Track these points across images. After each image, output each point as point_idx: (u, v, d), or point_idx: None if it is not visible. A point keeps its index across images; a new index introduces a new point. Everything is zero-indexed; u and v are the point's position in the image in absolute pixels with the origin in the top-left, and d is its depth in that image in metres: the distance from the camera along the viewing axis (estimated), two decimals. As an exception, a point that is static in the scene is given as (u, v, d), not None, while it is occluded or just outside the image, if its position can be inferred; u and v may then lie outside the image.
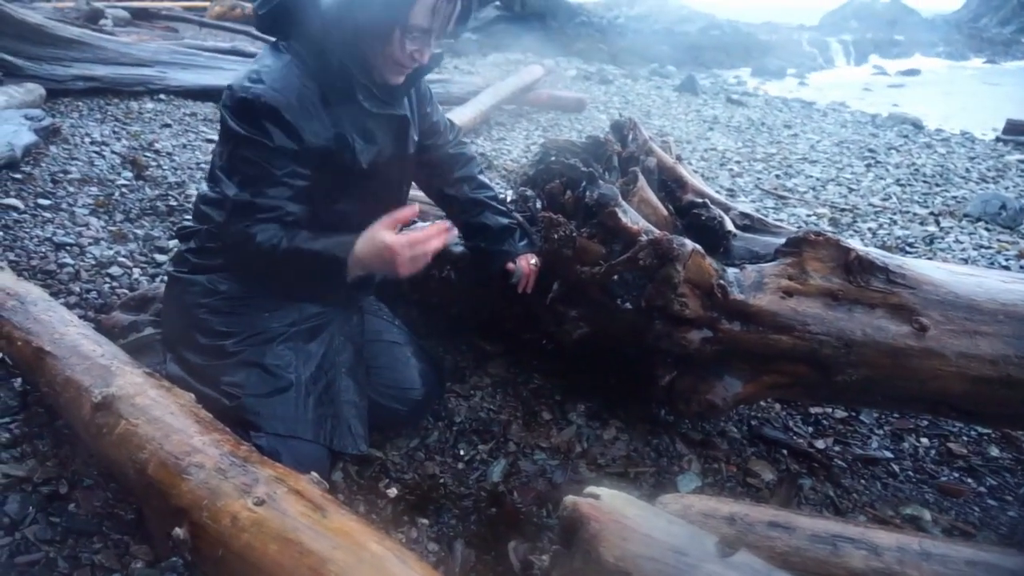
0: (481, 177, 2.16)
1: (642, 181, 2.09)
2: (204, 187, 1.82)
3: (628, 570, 1.16)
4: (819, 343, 1.90)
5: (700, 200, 2.19)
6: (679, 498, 1.60)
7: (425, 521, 1.74)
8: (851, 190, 5.26)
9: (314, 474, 1.22)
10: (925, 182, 5.59)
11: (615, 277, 1.97)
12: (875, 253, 1.95)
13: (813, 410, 2.47)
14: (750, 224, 2.18)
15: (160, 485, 1.22)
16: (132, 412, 1.39)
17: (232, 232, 1.62)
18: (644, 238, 1.84)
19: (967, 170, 6.05)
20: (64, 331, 1.71)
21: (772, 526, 1.52)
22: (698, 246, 1.83)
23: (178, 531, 1.15)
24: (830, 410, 2.49)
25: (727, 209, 2.21)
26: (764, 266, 1.96)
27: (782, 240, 2.06)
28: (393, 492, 1.82)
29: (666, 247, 1.79)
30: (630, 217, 1.91)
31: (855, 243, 1.96)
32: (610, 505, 1.27)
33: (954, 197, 5.17)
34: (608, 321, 2.06)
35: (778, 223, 2.25)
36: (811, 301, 1.92)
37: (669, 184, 2.28)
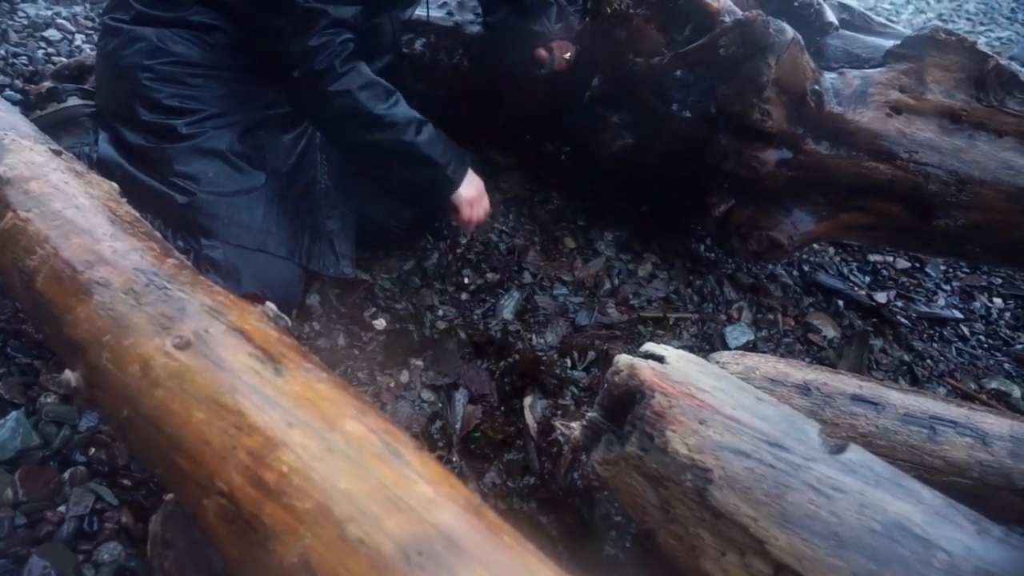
0: None
1: (724, -54, 1.58)
2: None
3: (707, 466, 0.83)
4: (926, 177, 1.51)
5: (790, -18, 1.70)
6: (739, 357, 1.26)
7: (419, 363, 1.40)
8: (890, 22, 4.83)
9: (270, 305, 0.85)
10: (968, 20, 5.16)
11: (677, 73, 1.53)
12: (1016, 66, 1.51)
13: (872, 257, 2.12)
14: (849, 19, 1.71)
15: (51, 307, 0.86)
16: (23, 202, 1.00)
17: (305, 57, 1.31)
18: (728, 20, 1.37)
19: (1012, 11, 5.59)
20: (-50, 90, 1.28)
21: (856, 400, 1.21)
22: (799, 35, 1.37)
23: (69, 375, 0.80)
24: (891, 259, 2.14)
25: (823, -3, 1.72)
26: (871, 72, 1.52)
27: (889, 43, 1.61)
28: (381, 324, 1.49)
29: (760, 31, 1.34)
30: (709, -9, 1.44)
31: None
32: (681, 372, 0.92)
33: (999, 38, 4.74)
34: (658, 132, 1.65)
35: (886, 21, 1.77)
36: (924, 122, 1.51)
37: (748, -41, 1.77)
